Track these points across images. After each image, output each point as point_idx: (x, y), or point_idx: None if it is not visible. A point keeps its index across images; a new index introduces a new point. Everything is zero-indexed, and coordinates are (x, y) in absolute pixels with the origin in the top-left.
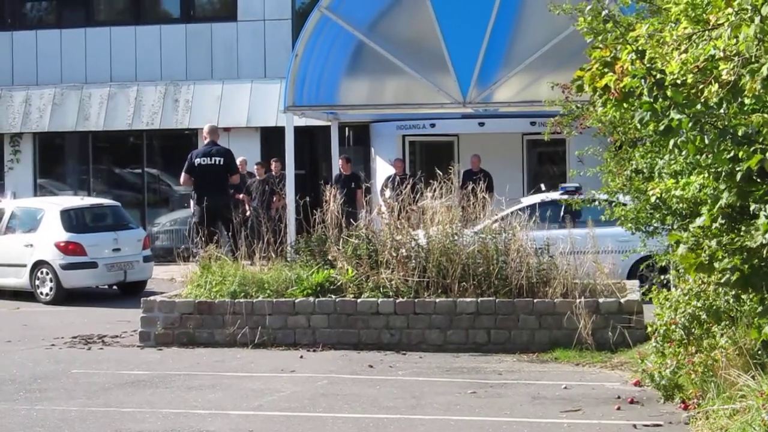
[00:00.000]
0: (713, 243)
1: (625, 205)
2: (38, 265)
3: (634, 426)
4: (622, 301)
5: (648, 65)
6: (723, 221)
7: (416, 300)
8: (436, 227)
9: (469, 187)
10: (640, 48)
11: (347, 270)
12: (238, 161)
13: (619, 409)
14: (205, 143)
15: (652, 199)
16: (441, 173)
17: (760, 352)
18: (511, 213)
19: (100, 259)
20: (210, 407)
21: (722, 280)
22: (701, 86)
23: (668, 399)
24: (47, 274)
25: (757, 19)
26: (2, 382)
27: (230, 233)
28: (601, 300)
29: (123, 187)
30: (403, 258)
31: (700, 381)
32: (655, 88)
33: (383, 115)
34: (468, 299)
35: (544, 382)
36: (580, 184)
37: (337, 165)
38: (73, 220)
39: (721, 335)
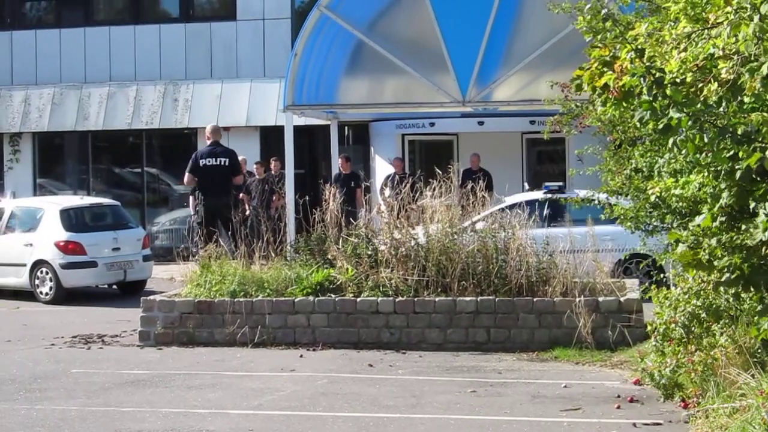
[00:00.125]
0: (713, 241)
1: (612, 205)
2: (38, 264)
3: (634, 425)
4: (621, 299)
5: (647, 64)
6: (723, 219)
7: (416, 299)
8: (435, 226)
9: (469, 186)
10: (639, 47)
11: (347, 269)
12: None
13: (619, 407)
14: (209, 143)
15: (652, 198)
16: (440, 172)
17: (759, 350)
18: (494, 212)
19: (99, 259)
20: (210, 406)
21: (722, 279)
22: (701, 85)
23: (668, 398)
24: (47, 273)
25: (756, 18)
26: (2, 382)
27: (230, 233)
28: (600, 299)
29: (122, 186)
30: (403, 257)
31: (699, 380)
32: (654, 86)
33: (383, 114)
34: (468, 298)
35: (543, 380)
36: (563, 183)
37: (337, 164)
38: (72, 219)
39: (721, 334)
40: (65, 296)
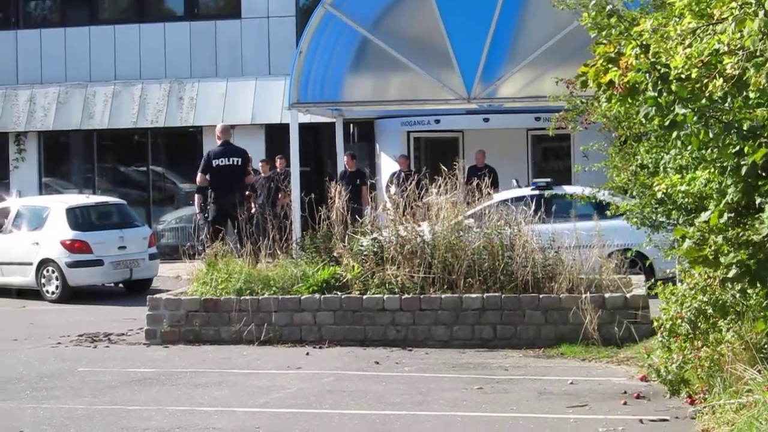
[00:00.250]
0: (719, 238)
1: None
2: (44, 263)
3: (641, 421)
4: (627, 296)
5: (652, 60)
6: (729, 215)
7: (422, 296)
8: (441, 223)
9: (474, 183)
10: (644, 43)
11: (353, 267)
12: None
13: (625, 404)
14: (219, 143)
15: (659, 194)
16: (446, 169)
17: (766, 346)
18: (483, 208)
19: (105, 257)
20: (216, 404)
21: (728, 275)
22: (706, 81)
23: (674, 394)
24: (53, 272)
25: (761, 13)
26: (8, 381)
27: (236, 231)
28: (607, 295)
29: (128, 185)
30: (409, 254)
31: (706, 375)
32: (659, 82)
33: (388, 111)
34: (474, 295)
35: (550, 377)
36: (552, 179)
37: (342, 162)
38: (78, 218)
39: (728, 329)
40: (71, 295)
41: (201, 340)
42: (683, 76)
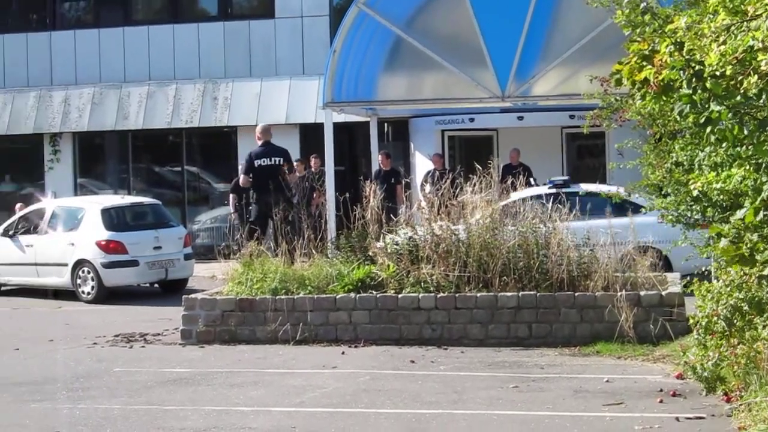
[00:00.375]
0: (754, 236)
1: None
2: (80, 264)
3: (677, 419)
4: (663, 293)
5: (687, 57)
6: (765, 213)
7: (457, 295)
8: (476, 222)
9: (509, 182)
10: (678, 40)
11: (388, 266)
12: None
13: (661, 402)
14: (260, 144)
15: (694, 192)
16: (480, 168)
17: None
18: (502, 206)
19: (141, 258)
20: (252, 404)
21: (764, 272)
22: (740, 77)
23: (710, 391)
24: (89, 272)
25: None
26: (45, 381)
27: (276, 230)
28: (642, 293)
29: (163, 185)
30: (444, 253)
31: (742, 373)
32: (694, 79)
33: (422, 110)
34: (509, 293)
35: (586, 375)
36: (569, 176)
37: (377, 161)
38: (114, 218)
39: (764, 327)
40: (107, 295)
41: (236, 340)
42: (718, 73)
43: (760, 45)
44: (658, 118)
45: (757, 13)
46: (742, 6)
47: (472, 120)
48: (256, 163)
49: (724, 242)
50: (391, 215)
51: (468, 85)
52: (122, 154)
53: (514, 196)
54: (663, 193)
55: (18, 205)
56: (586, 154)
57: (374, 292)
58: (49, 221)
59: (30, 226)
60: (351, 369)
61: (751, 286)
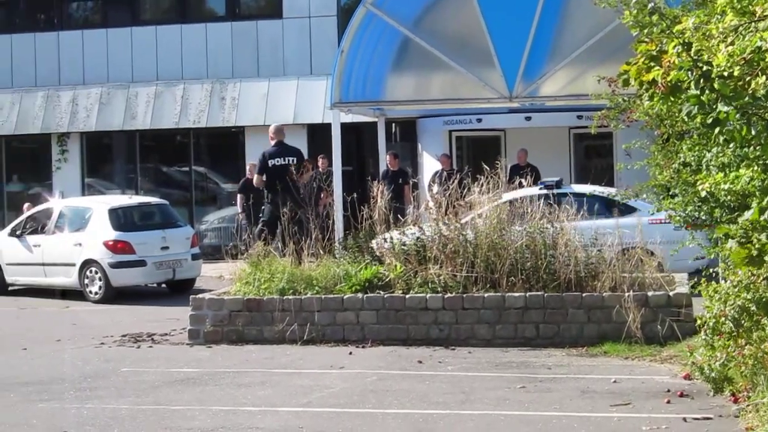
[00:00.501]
0: (762, 236)
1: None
2: (87, 264)
3: (684, 419)
4: (670, 294)
5: (694, 58)
6: None
7: (465, 295)
8: (483, 222)
9: (517, 182)
10: (686, 40)
11: (395, 266)
12: None
13: (668, 402)
14: (273, 143)
15: (702, 193)
16: (488, 168)
17: None
18: (493, 207)
19: (148, 258)
20: (260, 404)
21: None
22: (748, 78)
23: (718, 392)
24: (96, 272)
25: None
26: (52, 381)
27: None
28: (650, 293)
29: (170, 185)
30: (451, 253)
31: (750, 373)
32: (702, 80)
33: (430, 110)
34: (516, 294)
35: (593, 376)
36: (561, 177)
37: (385, 161)
38: (121, 218)
39: None
40: (114, 295)
41: (244, 340)
42: (726, 73)
43: None
44: (666, 119)
45: (765, 14)
46: (750, 7)
47: (479, 120)
48: (270, 162)
49: (732, 243)
50: (399, 215)
51: (476, 85)
52: (130, 154)
53: (505, 197)
54: (671, 193)
55: (26, 205)
56: (593, 155)
57: (382, 293)
58: (57, 221)
59: (37, 226)
60: (358, 369)
61: (758, 286)
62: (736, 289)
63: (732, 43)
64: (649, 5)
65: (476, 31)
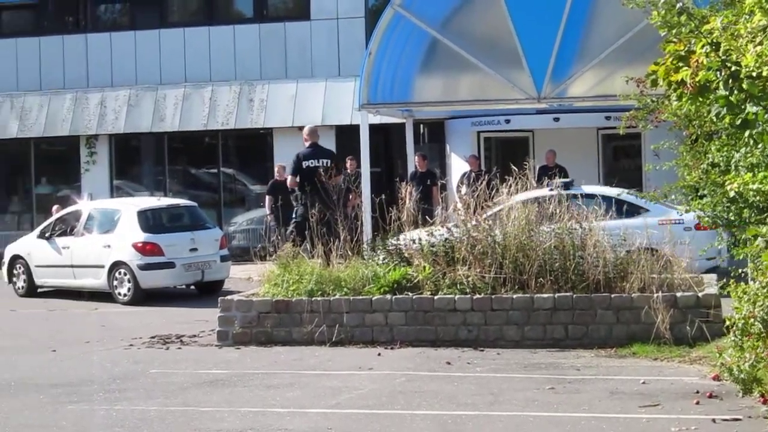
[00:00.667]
0: None
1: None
2: (116, 265)
3: (713, 420)
4: (699, 295)
5: (723, 58)
6: None
7: (493, 296)
8: (512, 223)
9: (545, 183)
10: (714, 41)
11: (424, 267)
12: None
13: (697, 403)
14: (307, 145)
15: (731, 193)
16: (516, 169)
17: None
18: (504, 208)
19: (177, 259)
20: (288, 405)
21: None
22: None
23: (747, 393)
24: (125, 274)
25: None
26: (81, 383)
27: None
28: (678, 294)
29: (199, 187)
30: (480, 254)
31: None
32: (730, 80)
33: (458, 111)
34: (545, 295)
35: (622, 377)
36: (572, 179)
37: (413, 162)
38: (150, 220)
39: None
40: (143, 297)
41: (273, 342)
42: (754, 74)
43: None
44: (694, 119)
45: None
46: None
47: (507, 121)
48: (304, 164)
49: (761, 243)
50: (427, 217)
51: (504, 86)
52: (158, 156)
53: (517, 197)
54: (699, 194)
55: (54, 207)
56: (622, 156)
57: (410, 294)
58: (86, 223)
59: (66, 228)
60: (387, 370)
61: None
62: (765, 290)
63: (761, 43)
64: (677, 5)
65: (504, 32)
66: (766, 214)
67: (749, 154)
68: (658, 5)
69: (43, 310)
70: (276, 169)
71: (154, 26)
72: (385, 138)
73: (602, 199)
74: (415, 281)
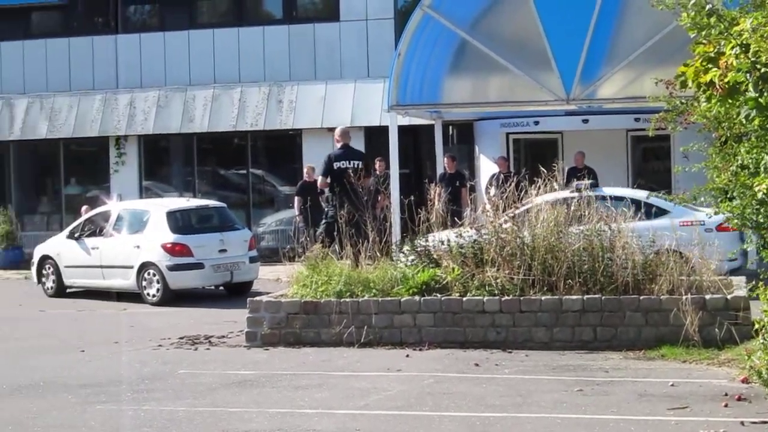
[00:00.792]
0: None
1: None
2: (145, 266)
3: (742, 423)
4: (728, 297)
5: (752, 59)
6: None
7: (522, 298)
8: (541, 225)
9: (574, 184)
10: (744, 42)
11: (452, 268)
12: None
13: (726, 406)
14: (339, 146)
15: (759, 195)
16: (545, 171)
17: None
18: (525, 210)
19: (206, 260)
20: (317, 406)
21: None
22: None
23: None
24: (154, 275)
25: None
26: (110, 383)
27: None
28: (707, 296)
29: (228, 188)
30: (509, 256)
31: None
32: (760, 82)
33: (487, 113)
34: (574, 297)
35: (650, 379)
36: (594, 181)
37: (442, 163)
38: (179, 221)
39: None
40: (172, 298)
41: (301, 342)
42: None
43: None
44: (724, 121)
45: None
46: None
47: (536, 123)
48: (335, 165)
49: None
50: (456, 218)
51: (533, 87)
52: (187, 157)
53: (538, 200)
54: (728, 196)
55: (84, 208)
56: (651, 158)
57: (439, 295)
58: (115, 224)
59: (95, 228)
60: (415, 372)
61: None
62: None
63: None
64: (707, 7)
65: (533, 33)
66: None
67: None
68: (687, 7)
69: (72, 310)
70: (305, 170)
71: (183, 27)
72: (414, 139)
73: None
74: (444, 282)
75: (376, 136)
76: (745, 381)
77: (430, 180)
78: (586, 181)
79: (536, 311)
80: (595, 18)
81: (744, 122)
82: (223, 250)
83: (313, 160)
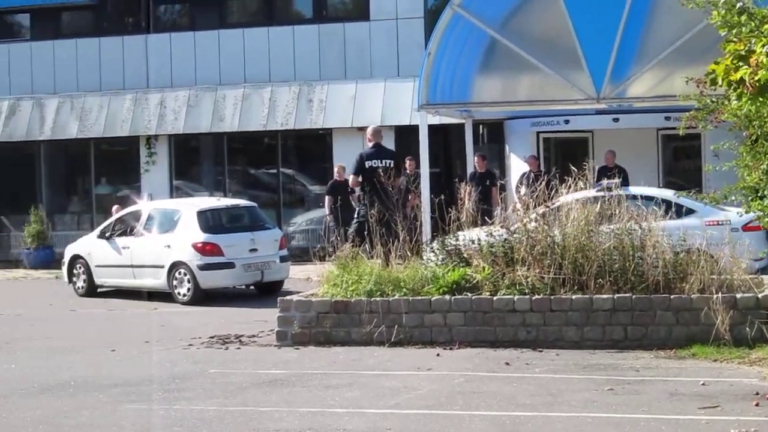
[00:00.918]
0: None
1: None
2: (176, 265)
3: None
4: (759, 296)
5: None
6: None
7: (552, 297)
8: (571, 224)
9: (605, 183)
10: None
11: (483, 267)
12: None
13: (757, 405)
14: (371, 145)
15: None
16: (576, 170)
17: None
18: (549, 210)
19: (237, 260)
20: (347, 406)
21: None
22: None
23: None
24: (185, 274)
25: None
26: (141, 382)
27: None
28: (738, 295)
29: (258, 187)
30: (539, 255)
31: None
32: None
33: (517, 112)
34: (604, 296)
35: (681, 378)
36: (617, 180)
37: (472, 162)
38: (209, 220)
39: None
40: (203, 297)
41: (331, 342)
42: None
43: None
44: (755, 120)
45: None
46: None
47: (567, 122)
48: (367, 164)
49: None
50: (486, 217)
51: (563, 86)
52: (218, 156)
53: (562, 199)
54: (759, 195)
55: (114, 207)
56: (681, 156)
57: (469, 294)
58: (146, 223)
59: (126, 228)
60: (446, 371)
61: None
62: None
63: None
64: (738, 5)
65: (563, 32)
66: None
67: None
68: (718, 5)
69: (103, 309)
70: (335, 170)
71: (213, 27)
72: (445, 138)
73: (647, 199)
74: (474, 282)
75: (406, 135)
76: None
77: (460, 179)
78: (610, 181)
79: (567, 310)
80: (625, 17)
81: None
82: (253, 250)
83: (343, 159)
